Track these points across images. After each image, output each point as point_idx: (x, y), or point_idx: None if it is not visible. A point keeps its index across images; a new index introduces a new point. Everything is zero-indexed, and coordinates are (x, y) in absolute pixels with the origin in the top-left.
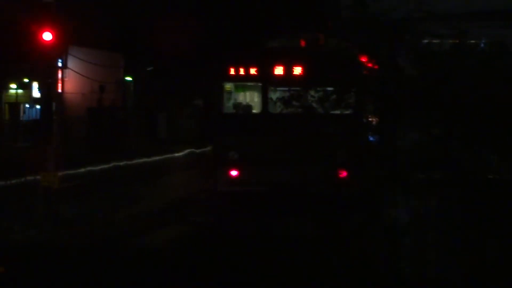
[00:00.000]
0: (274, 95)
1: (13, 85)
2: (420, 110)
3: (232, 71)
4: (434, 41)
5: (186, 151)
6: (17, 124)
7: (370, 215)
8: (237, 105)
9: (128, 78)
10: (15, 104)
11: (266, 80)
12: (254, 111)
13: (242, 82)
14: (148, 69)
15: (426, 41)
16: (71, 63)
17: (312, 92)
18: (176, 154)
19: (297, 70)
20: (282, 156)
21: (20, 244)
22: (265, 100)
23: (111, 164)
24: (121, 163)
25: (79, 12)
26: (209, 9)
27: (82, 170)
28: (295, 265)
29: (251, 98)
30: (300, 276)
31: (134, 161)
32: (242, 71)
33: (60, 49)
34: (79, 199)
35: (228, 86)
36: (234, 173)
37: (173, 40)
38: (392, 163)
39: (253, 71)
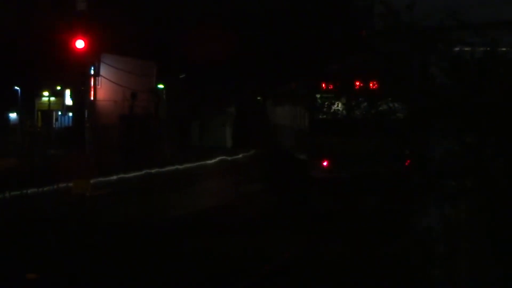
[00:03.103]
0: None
1: (46, 93)
2: (452, 119)
3: (323, 85)
4: (466, 49)
5: (218, 158)
6: (49, 132)
7: (402, 223)
8: (327, 112)
9: (161, 86)
10: (47, 112)
11: (348, 92)
12: (339, 116)
13: (330, 93)
14: (181, 76)
15: (458, 49)
16: (103, 70)
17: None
18: (208, 162)
19: (371, 84)
20: (360, 151)
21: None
22: (348, 107)
23: (143, 172)
24: (153, 171)
25: (111, 20)
26: (243, 19)
27: (114, 177)
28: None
29: (338, 106)
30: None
31: (166, 168)
32: (330, 85)
33: (92, 57)
34: (113, 205)
35: (320, 97)
36: (325, 163)
37: (206, 48)
38: (424, 171)
39: (338, 84)
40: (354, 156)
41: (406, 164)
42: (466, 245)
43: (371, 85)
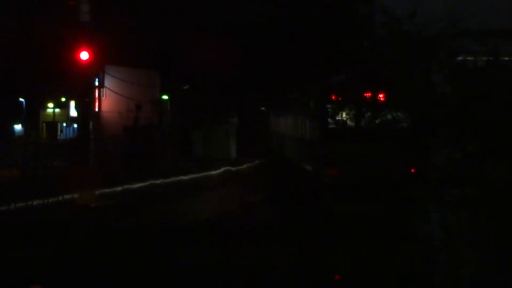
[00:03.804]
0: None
1: (51, 104)
2: (454, 127)
3: (333, 97)
4: (468, 58)
5: (222, 169)
6: (54, 143)
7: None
8: (335, 121)
9: (165, 97)
10: (52, 123)
11: (355, 102)
12: (348, 125)
13: (339, 104)
14: (184, 87)
15: (460, 58)
16: (107, 82)
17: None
18: (212, 172)
19: (379, 95)
20: (367, 159)
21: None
22: (356, 117)
23: (148, 182)
24: (158, 181)
25: (115, 31)
26: (247, 28)
27: (119, 188)
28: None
29: (347, 116)
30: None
31: (171, 179)
32: (339, 96)
33: (97, 68)
34: (118, 216)
35: (329, 107)
36: (333, 171)
37: (209, 57)
38: (426, 178)
39: (348, 96)
40: (362, 164)
41: (412, 171)
42: (469, 252)
43: (378, 96)
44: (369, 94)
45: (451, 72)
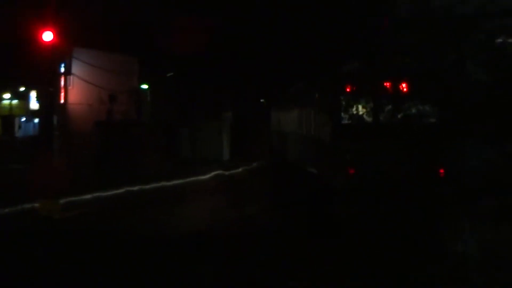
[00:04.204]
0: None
1: (7, 95)
2: (493, 122)
3: (348, 88)
4: (509, 40)
5: (213, 173)
6: (11, 141)
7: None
8: (352, 116)
9: (144, 86)
10: (9, 117)
11: (375, 95)
12: (366, 120)
13: (356, 96)
14: (168, 75)
15: (500, 40)
16: (76, 68)
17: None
18: (201, 177)
19: (399, 86)
20: (388, 159)
21: None
22: (375, 111)
23: (123, 189)
24: (135, 188)
25: (85, 8)
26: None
27: (89, 196)
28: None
29: (364, 110)
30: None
31: (151, 186)
32: (355, 88)
33: (62, 52)
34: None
35: (344, 101)
36: (351, 171)
37: (198, 39)
38: (459, 185)
39: (365, 87)
40: (381, 165)
41: (441, 172)
42: (510, 275)
43: (400, 86)
44: (389, 84)
45: (489, 57)
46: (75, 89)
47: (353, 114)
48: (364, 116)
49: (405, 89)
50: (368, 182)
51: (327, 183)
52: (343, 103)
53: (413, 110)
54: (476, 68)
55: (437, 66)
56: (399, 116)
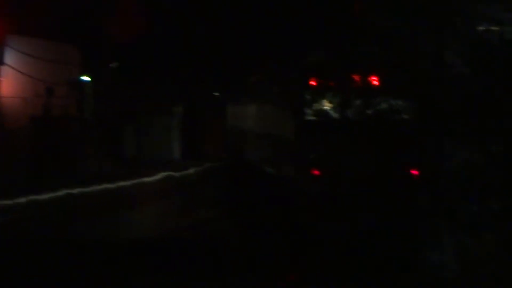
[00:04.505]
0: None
1: None
2: (474, 120)
3: (312, 81)
4: (493, 28)
5: (162, 174)
6: None
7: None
8: (317, 112)
9: (86, 78)
10: None
11: (343, 89)
12: (333, 117)
13: (323, 91)
14: (112, 65)
15: (482, 28)
16: (9, 57)
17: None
18: (148, 179)
19: (369, 79)
20: (357, 158)
21: None
22: (342, 107)
23: (62, 192)
24: (75, 191)
25: None
26: None
27: (23, 200)
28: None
29: (330, 106)
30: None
31: (92, 188)
32: (321, 81)
33: None
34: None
35: (309, 95)
36: (315, 172)
37: (145, 26)
38: (437, 189)
39: (332, 81)
40: (349, 165)
41: (414, 174)
42: (491, 287)
43: (370, 79)
44: (358, 77)
45: (470, 47)
46: (8, 80)
47: (318, 109)
48: (331, 112)
49: (375, 82)
50: (335, 185)
51: (289, 185)
52: (307, 97)
53: (385, 106)
54: (456, 60)
55: (412, 57)
56: (369, 112)
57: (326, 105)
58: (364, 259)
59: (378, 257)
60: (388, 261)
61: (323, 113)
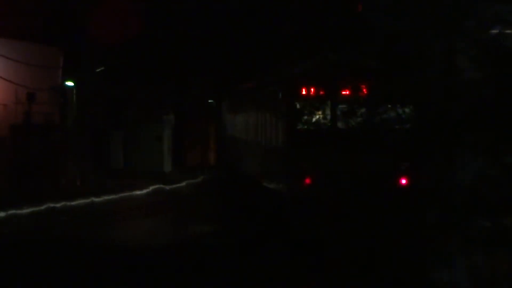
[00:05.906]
0: (341, 112)
1: None
2: (487, 129)
3: (303, 91)
4: (507, 31)
5: (152, 187)
6: None
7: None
8: (308, 121)
9: (70, 83)
10: None
11: (333, 98)
12: (323, 126)
13: (312, 100)
14: (98, 69)
15: (495, 31)
16: None
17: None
18: (137, 192)
19: (359, 88)
20: (348, 166)
21: None
22: (333, 116)
23: (44, 206)
24: (58, 205)
25: None
26: None
27: (2, 214)
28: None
29: (321, 115)
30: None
31: (77, 202)
32: (312, 91)
33: None
34: None
35: (299, 104)
36: (307, 181)
37: (134, 28)
38: (447, 204)
39: (321, 90)
40: (341, 174)
41: (403, 181)
42: None
43: (362, 87)
44: (350, 86)
45: (483, 51)
46: None
47: (309, 118)
48: (322, 120)
49: (365, 91)
50: (326, 193)
51: (282, 195)
52: (298, 106)
53: (379, 114)
54: (468, 64)
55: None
56: (360, 120)
57: (317, 114)
58: (362, 279)
59: (378, 276)
60: (390, 279)
61: (313, 122)
